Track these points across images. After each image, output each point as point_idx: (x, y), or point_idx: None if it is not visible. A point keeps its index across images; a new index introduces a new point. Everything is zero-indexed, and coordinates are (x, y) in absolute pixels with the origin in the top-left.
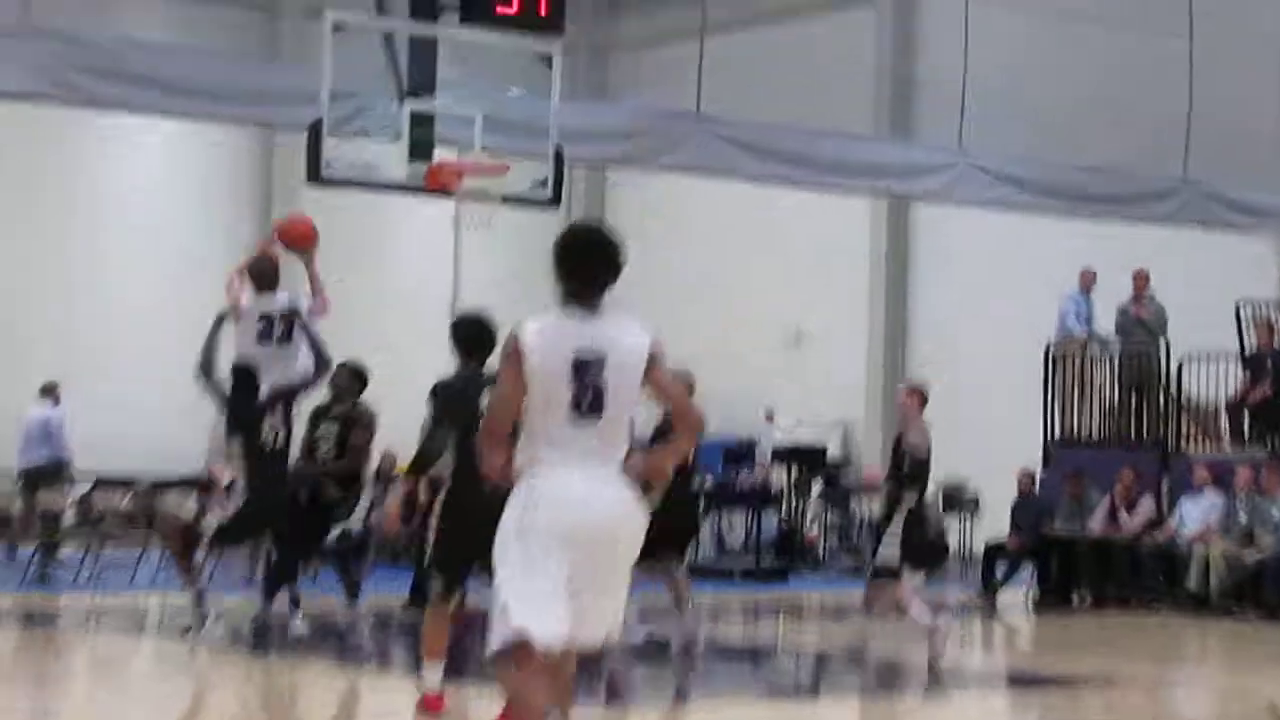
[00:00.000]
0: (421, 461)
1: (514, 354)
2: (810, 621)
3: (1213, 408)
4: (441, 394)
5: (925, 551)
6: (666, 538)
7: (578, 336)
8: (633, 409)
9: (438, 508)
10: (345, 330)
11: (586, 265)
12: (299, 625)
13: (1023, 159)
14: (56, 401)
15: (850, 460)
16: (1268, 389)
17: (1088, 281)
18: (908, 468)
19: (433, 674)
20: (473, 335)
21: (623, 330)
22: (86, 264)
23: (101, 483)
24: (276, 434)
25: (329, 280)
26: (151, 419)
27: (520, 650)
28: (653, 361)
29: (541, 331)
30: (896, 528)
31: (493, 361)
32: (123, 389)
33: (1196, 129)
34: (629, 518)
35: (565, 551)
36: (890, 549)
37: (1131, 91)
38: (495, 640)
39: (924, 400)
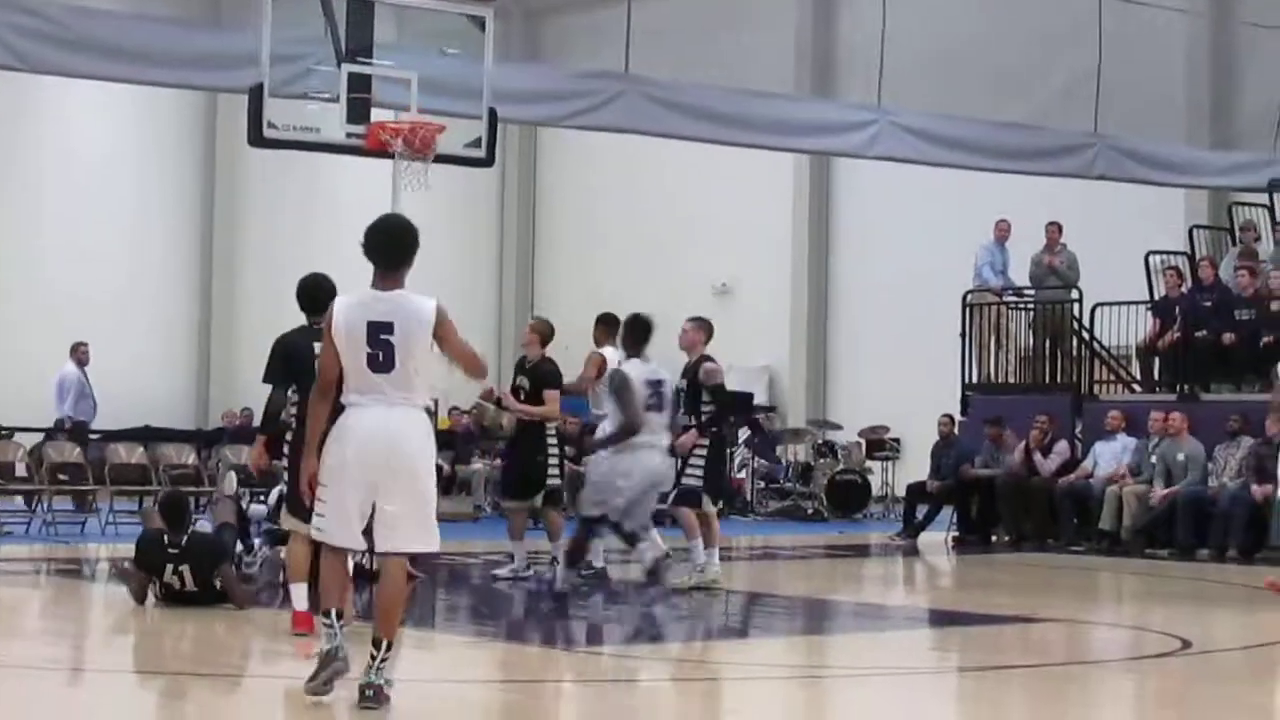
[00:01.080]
0: (267, 424)
1: (328, 325)
2: (739, 563)
3: (1124, 354)
4: (276, 350)
5: (721, 481)
6: (517, 487)
7: (372, 308)
8: (423, 361)
9: (286, 451)
10: (290, 289)
11: (380, 250)
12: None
13: (940, 116)
14: (79, 362)
15: (776, 406)
16: (1176, 334)
17: (1002, 233)
18: (708, 397)
19: (299, 595)
20: (307, 294)
21: (410, 301)
22: (28, 225)
23: (52, 434)
24: None
25: (277, 237)
26: (93, 374)
27: (330, 547)
28: (439, 323)
29: (346, 306)
30: (700, 458)
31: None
32: (64, 345)
33: (1106, 85)
34: (413, 440)
35: (365, 473)
36: (695, 476)
37: (1045, 49)
38: (315, 533)
39: (709, 333)
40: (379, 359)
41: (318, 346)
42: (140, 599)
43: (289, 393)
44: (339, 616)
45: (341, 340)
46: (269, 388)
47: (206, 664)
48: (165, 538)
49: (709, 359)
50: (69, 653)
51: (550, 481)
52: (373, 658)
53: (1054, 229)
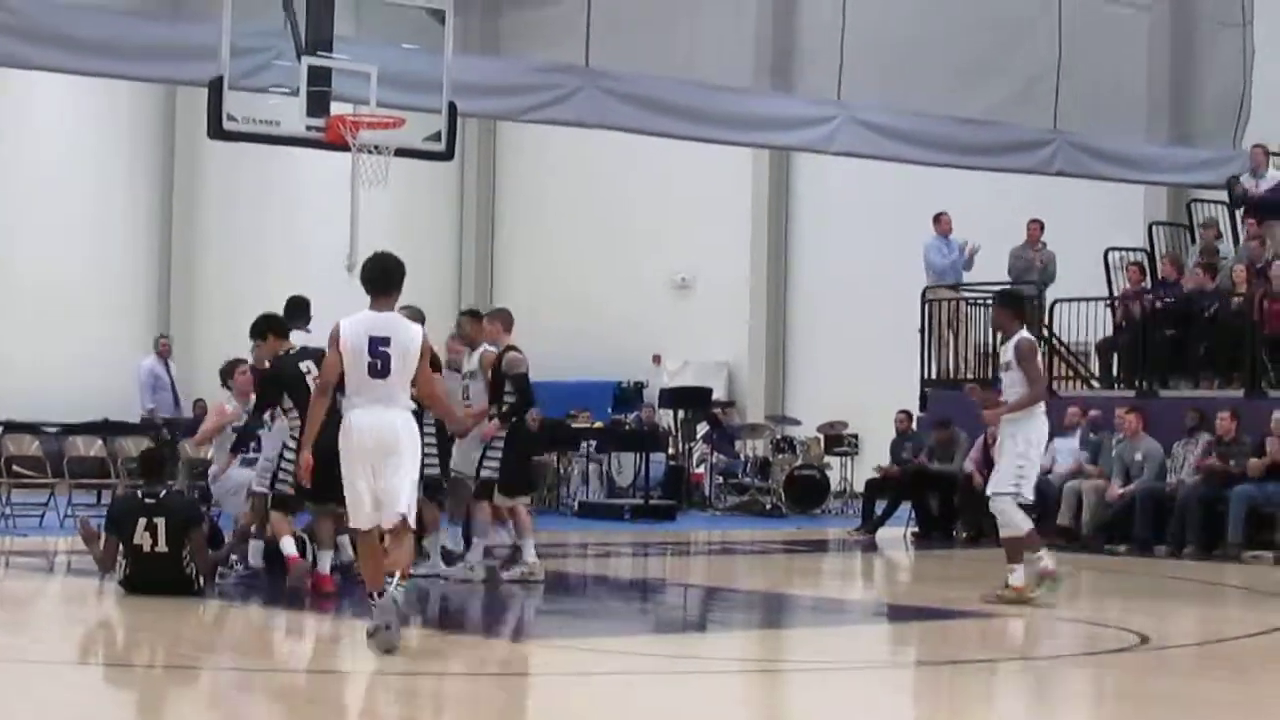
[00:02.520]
0: (240, 442)
1: (334, 336)
2: (697, 558)
3: (1083, 350)
4: (269, 379)
5: (525, 473)
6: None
7: (373, 325)
8: (410, 373)
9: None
10: (248, 283)
11: (376, 280)
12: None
13: (899, 111)
14: (161, 355)
15: (735, 401)
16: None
17: (945, 226)
18: (510, 387)
19: (323, 561)
20: (302, 309)
21: (404, 324)
22: None
23: (10, 428)
24: None
25: (235, 229)
26: (52, 366)
27: (358, 530)
28: (421, 348)
29: (351, 322)
30: (497, 449)
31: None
32: (23, 338)
33: (1066, 81)
34: (404, 434)
35: (367, 460)
36: (491, 468)
37: (1005, 44)
38: (352, 521)
39: (507, 323)
40: (377, 366)
41: (303, 365)
42: (108, 566)
43: (287, 406)
44: (380, 595)
45: (347, 350)
46: (221, 380)
47: (168, 655)
48: (140, 492)
49: (513, 349)
50: (25, 643)
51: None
52: (388, 581)
53: (1035, 226)
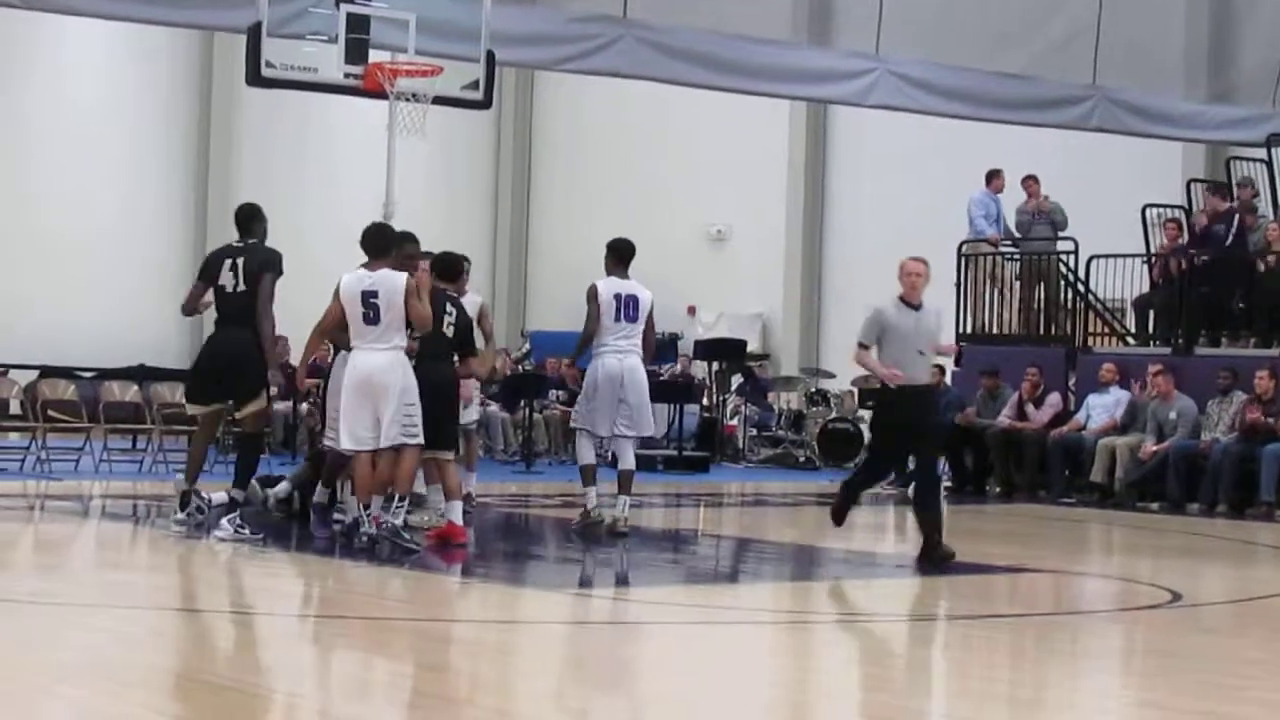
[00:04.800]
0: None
1: (337, 292)
2: (729, 509)
3: (1119, 306)
4: None
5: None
6: None
7: (367, 280)
8: (399, 316)
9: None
10: (283, 230)
11: (369, 246)
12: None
13: (937, 65)
14: None
15: (769, 354)
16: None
17: (999, 185)
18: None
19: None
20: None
21: (390, 277)
22: (22, 164)
23: (46, 372)
24: None
25: (272, 177)
26: (88, 312)
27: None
28: (406, 293)
29: (349, 280)
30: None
31: None
32: (59, 283)
33: (1105, 37)
34: (395, 372)
35: (364, 394)
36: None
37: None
38: (342, 443)
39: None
40: (369, 315)
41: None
42: (191, 309)
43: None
44: (369, 505)
45: (346, 301)
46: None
47: (195, 600)
48: (233, 242)
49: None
50: (56, 587)
51: None
52: (389, 501)
53: (1031, 182)
